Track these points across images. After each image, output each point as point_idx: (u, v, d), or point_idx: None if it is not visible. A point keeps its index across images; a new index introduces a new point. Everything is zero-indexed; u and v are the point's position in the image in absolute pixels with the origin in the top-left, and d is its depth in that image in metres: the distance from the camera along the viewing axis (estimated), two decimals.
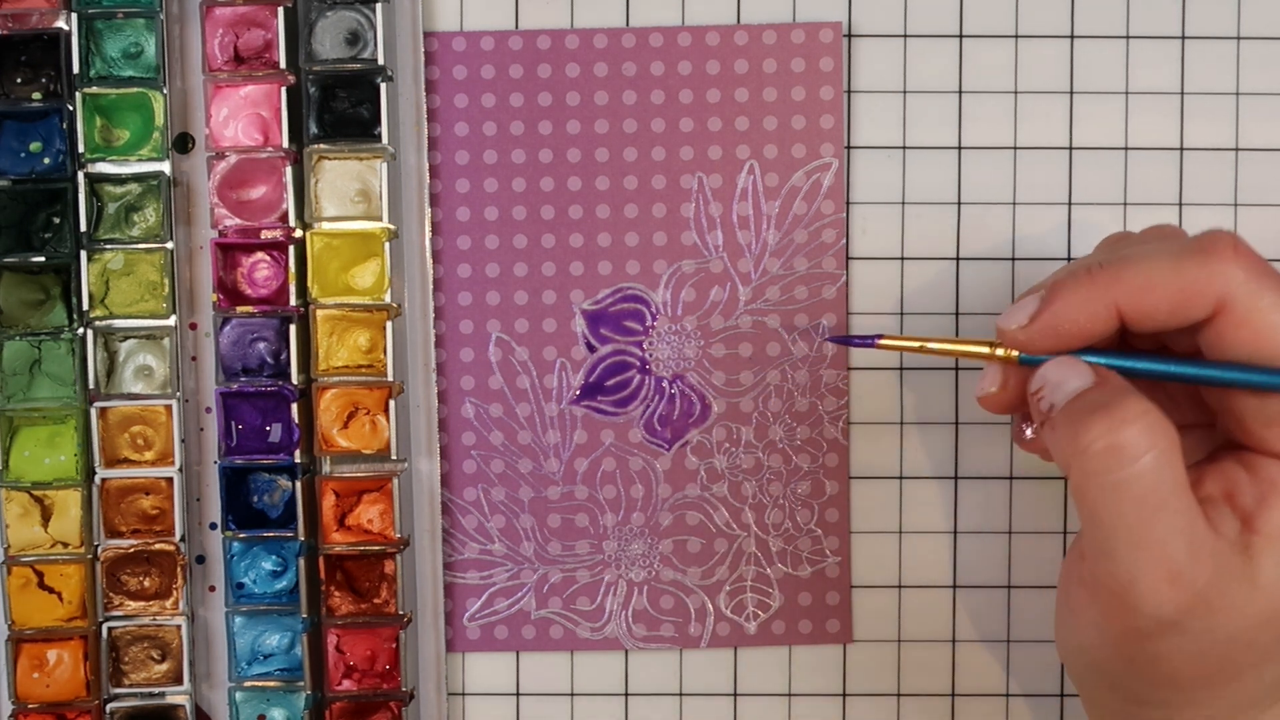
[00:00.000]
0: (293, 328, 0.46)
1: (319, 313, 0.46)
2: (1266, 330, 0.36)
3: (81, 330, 0.46)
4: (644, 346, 0.48)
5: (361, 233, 0.46)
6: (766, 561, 0.48)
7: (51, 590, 0.46)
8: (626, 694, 0.48)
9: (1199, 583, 0.35)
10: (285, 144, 0.45)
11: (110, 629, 0.46)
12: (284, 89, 0.45)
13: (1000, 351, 0.39)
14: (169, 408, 0.46)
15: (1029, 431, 0.41)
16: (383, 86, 0.45)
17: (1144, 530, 0.35)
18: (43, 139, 0.45)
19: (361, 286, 0.46)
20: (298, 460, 0.46)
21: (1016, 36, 0.47)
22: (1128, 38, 0.47)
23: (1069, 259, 0.47)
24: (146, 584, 0.46)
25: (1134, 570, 0.35)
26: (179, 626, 0.46)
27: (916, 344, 0.41)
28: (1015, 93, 0.47)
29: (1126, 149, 0.47)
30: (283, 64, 0.45)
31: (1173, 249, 0.37)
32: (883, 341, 0.42)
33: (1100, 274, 0.37)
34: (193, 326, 0.47)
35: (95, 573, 0.46)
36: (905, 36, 0.47)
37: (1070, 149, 0.47)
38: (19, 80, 0.45)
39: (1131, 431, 0.35)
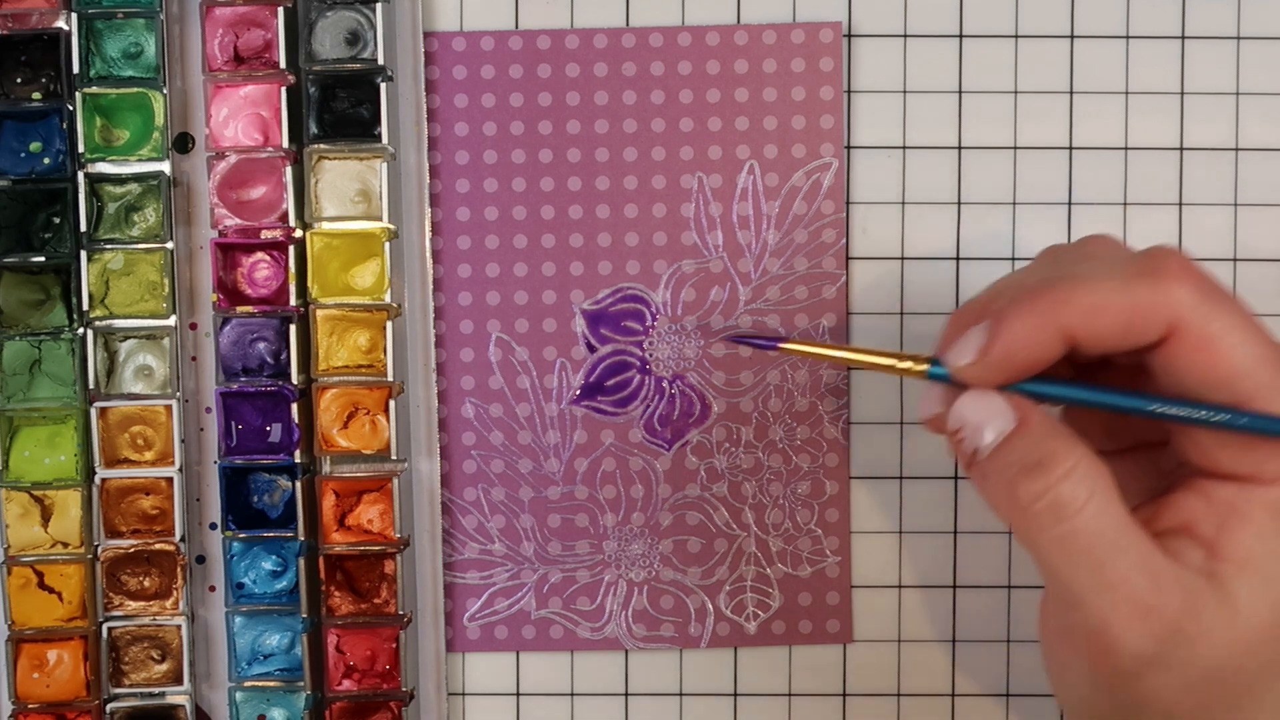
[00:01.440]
0: (293, 328, 0.46)
1: (319, 313, 0.46)
2: (1222, 352, 0.35)
3: (81, 330, 0.46)
4: (644, 346, 0.48)
5: (361, 233, 0.46)
6: (766, 561, 0.48)
7: (51, 590, 0.46)
8: (626, 694, 0.48)
9: (1170, 612, 0.35)
10: (285, 144, 0.45)
11: (110, 629, 0.46)
12: (284, 89, 0.45)
13: (909, 364, 0.38)
14: (169, 408, 0.46)
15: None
16: (382, 86, 0.45)
17: (1102, 574, 0.35)
18: (43, 139, 0.45)
19: (361, 286, 0.46)
20: (298, 460, 0.46)
21: (1016, 36, 0.47)
22: (1127, 38, 0.47)
23: None
24: (146, 584, 0.46)
25: (1103, 614, 0.35)
26: (179, 626, 0.46)
27: (821, 351, 0.40)
28: (1015, 93, 0.47)
29: (1126, 149, 0.47)
30: (283, 64, 0.45)
31: (1121, 269, 0.36)
32: (785, 345, 0.41)
33: (1047, 297, 0.36)
34: (193, 326, 0.47)
35: (95, 573, 0.46)
36: (905, 36, 0.47)
37: (1070, 149, 0.47)
38: (19, 80, 0.45)
39: (1068, 485, 0.35)
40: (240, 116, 0.46)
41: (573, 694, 0.48)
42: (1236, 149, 0.47)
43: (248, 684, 0.46)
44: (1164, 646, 0.35)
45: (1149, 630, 0.35)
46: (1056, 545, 0.35)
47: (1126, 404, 0.37)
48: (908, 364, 0.38)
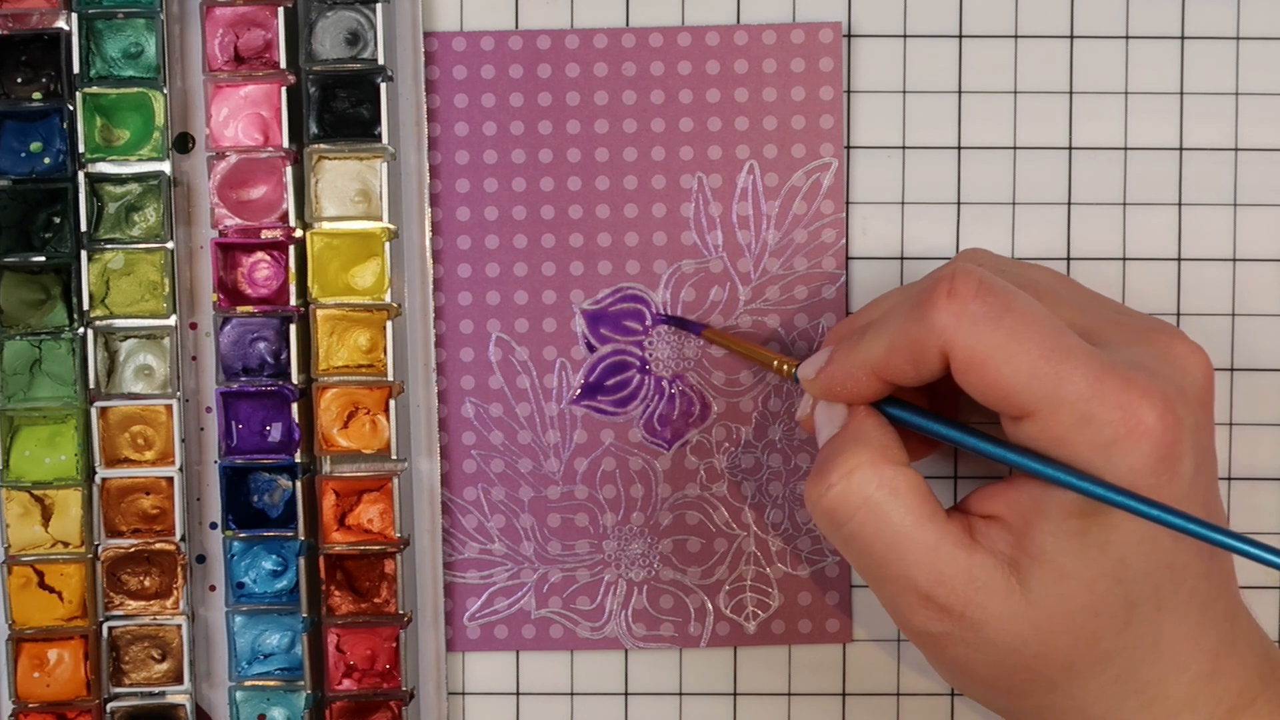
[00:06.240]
0: (293, 327, 0.46)
1: (319, 312, 0.46)
2: (990, 371, 0.36)
3: (82, 330, 0.46)
4: (644, 346, 0.48)
5: (362, 232, 0.46)
6: (766, 561, 0.48)
7: (52, 590, 0.46)
8: (626, 693, 0.48)
9: (954, 600, 0.37)
10: (285, 144, 0.45)
11: (111, 628, 0.46)
12: (284, 89, 0.45)
13: (786, 367, 0.43)
14: (169, 407, 0.46)
15: None
16: (383, 86, 0.45)
17: (883, 569, 0.38)
18: (43, 139, 0.45)
19: (362, 286, 0.46)
20: (298, 460, 0.46)
21: (1016, 37, 0.47)
22: (1127, 38, 0.47)
23: (1069, 259, 0.48)
24: (147, 583, 0.46)
25: (890, 597, 0.38)
26: (179, 626, 0.46)
27: (726, 342, 0.46)
28: (1015, 93, 0.47)
29: (1126, 149, 0.47)
30: (283, 64, 0.45)
31: (903, 307, 0.38)
32: (706, 333, 0.46)
33: (856, 345, 0.39)
34: (193, 326, 0.47)
35: (96, 572, 0.46)
36: (905, 37, 0.47)
37: (1070, 149, 0.47)
38: (19, 80, 0.45)
39: (836, 493, 0.37)
40: (240, 116, 0.46)
41: (572, 693, 0.48)
42: (1236, 149, 0.47)
43: (248, 683, 0.46)
44: (953, 628, 0.37)
45: (933, 615, 0.37)
46: (843, 543, 0.38)
47: (977, 445, 0.39)
48: (784, 366, 0.43)
